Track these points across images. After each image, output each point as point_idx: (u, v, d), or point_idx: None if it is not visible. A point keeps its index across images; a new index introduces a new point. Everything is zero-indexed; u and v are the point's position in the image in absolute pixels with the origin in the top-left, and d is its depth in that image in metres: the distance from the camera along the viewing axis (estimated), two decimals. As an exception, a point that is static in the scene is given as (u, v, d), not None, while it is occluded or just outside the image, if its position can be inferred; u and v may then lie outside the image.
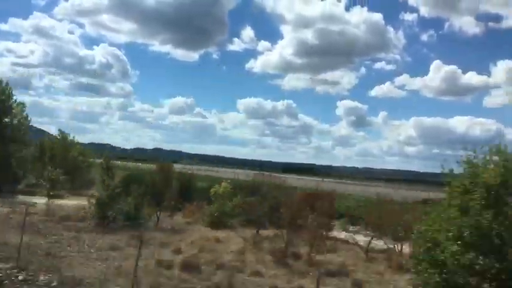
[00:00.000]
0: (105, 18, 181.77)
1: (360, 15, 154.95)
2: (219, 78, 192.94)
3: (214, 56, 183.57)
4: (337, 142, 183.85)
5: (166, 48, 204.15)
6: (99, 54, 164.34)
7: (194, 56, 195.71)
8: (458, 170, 8.60)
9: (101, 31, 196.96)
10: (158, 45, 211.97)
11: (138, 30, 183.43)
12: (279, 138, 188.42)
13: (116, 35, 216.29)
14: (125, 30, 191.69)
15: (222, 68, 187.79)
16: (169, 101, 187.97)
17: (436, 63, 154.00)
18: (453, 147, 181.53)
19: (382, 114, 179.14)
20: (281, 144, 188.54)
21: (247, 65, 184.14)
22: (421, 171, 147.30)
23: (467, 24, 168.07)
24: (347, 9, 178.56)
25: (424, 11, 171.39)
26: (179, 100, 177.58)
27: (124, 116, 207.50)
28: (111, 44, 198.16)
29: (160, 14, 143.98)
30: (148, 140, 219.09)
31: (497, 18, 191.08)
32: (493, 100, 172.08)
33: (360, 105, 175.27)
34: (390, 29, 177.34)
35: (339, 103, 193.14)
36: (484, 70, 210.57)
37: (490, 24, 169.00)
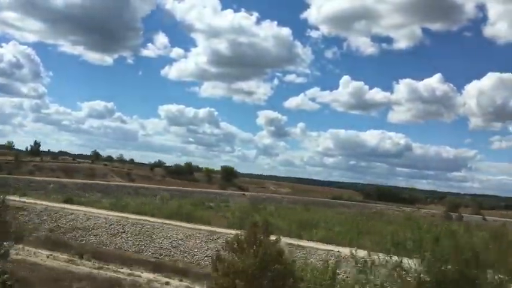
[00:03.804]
0: (11, 16, 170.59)
1: (269, 29, 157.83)
2: (137, 83, 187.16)
3: (129, 60, 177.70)
4: (260, 151, 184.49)
5: (78, 50, 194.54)
6: (8, 52, 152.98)
7: (108, 59, 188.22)
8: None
9: (6, 30, 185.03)
10: (69, 46, 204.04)
11: (46, 29, 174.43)
12: (203, 146, 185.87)
13: (23, 34, 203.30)
14: (32, 29, 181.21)
15: (138, 73, 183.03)
16: (88, 104, 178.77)
17: (345, 78, 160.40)
18: (367, 159, 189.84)
19: (300, 125, 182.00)
20: (205, 152, 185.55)
21: (163, 71, 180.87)
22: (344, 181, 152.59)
23: (363, 45, 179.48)
24: (257, 22, 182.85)
25: (325, 29, 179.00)
26: (98, 104, 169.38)
27: (38, 118, 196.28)
28: (20, 43, 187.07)
29: (69, 15, 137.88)
30: (66, 144, 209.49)
31: (388, 40, 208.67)
32: (396, 116, 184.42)
33: (279, 115, 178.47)
34: (298, 43, 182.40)
35: (259, 113, 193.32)
36: (387, 87, 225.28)
37: (383, 45, 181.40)
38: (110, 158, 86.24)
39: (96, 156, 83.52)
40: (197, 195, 59.25)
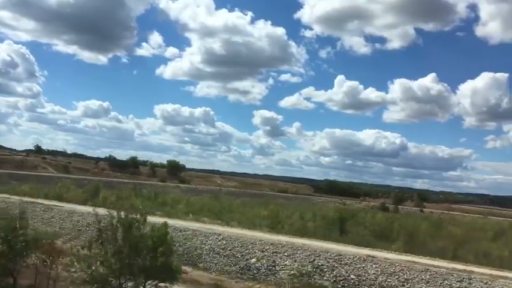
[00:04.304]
0: (5, 15, 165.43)
1: (263, 29, 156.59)
2: (132, 83, 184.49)
3: (124, 60, 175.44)
4: (256, 151, 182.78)
5: (72, 49, 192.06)
6: (3, 51, 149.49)
7: (103, 59, 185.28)
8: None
9: (0, 29, 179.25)
10: (63, 46, 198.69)
11: (40, 29, 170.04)
12: (199, 146, 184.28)
13: (17, 33, 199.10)
14: (26, 28, 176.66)
15: (133, 72, 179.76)
16: (83, 103, 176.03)
17: (340, 77, 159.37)
18: (363, 158, 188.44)
19: (296, 124, 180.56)
20: (201, 151, 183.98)
21: (158, 71, 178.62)
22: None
23: (357, 44, 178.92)
24: (252, 21, 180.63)
25: (318, 29, 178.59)
26: (93, 103, 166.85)
27: (34, 118, 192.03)
28: (14, 42, 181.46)
29: (62, 14, 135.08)
30: (62, 143, 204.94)
31: (382, 40, 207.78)
32: (391, 115, 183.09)
33: (274, 115, 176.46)
34: (292, 43, 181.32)
35: (255, 112, 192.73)
36: (382, 87, 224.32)
37: (377, 45, 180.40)
38: (53, 152, 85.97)
39: (38, 149, 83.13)
40: (126, 185, 59.44)
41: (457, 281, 15.55)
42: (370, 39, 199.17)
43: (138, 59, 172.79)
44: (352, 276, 16.30)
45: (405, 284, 15.74)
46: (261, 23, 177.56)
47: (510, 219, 64.80)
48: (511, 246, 27.72)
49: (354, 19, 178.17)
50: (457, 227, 39.26)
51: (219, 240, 19.36)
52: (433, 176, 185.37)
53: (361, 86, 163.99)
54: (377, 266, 16.86)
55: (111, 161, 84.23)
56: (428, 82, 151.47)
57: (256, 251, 18.16)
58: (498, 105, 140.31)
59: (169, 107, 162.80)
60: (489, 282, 15.49)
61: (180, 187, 68.66)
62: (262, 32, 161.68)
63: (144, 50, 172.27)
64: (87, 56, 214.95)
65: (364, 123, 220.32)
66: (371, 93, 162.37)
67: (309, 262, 17.10)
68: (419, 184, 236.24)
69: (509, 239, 32.22)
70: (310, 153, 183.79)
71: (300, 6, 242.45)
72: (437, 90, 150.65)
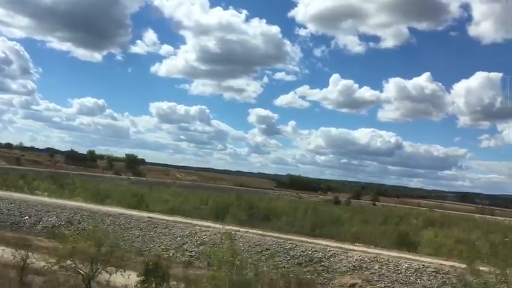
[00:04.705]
0: None
1: (258, 27, 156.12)
2: (127, 80, 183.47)
3: (118, 57, 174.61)
4: (252, 149, 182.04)
5: (66, 46, 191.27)
6: None
7: (97, 56, 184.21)
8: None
9: None
10: (57, 43, 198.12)
11: (34, 26, 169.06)
12: (195, 144, 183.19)
13: (11, 30, 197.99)
14: (20, 25, 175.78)
15: (128, 70, 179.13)
16: (78, 101, 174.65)
17: (335, 76, 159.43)
18: (359, 157, 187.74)
19: (291, 123, 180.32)
20: (197, 149, 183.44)
21: (153, 68, 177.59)
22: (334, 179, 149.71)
23: (351, 43, 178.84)
24: (246, 20, 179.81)
25: (312, 28, 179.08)
26: (89, 101, 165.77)
27: (29, 115, 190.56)
28: (8, 39, 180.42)
29: (56, 11, 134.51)
30: (57, 141, 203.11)
31: (376, 39, 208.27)
32: (386, 114, 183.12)
33: (270, 113, 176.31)
34: (287, 42, 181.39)
35: (250, 110, 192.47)
36: (377, 85, 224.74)
37: (371, 44, 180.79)
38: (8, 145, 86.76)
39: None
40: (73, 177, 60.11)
41: (286, 248, 16.74)
42: (364, 38, 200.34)
43: (132, 57, 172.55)
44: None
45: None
46: (255, 21, 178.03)
47: (467, 213, 64.98)
48: (391, 229, 29.00)
49: (347, 18, 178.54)
50: (382, 216, 39.52)
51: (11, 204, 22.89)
52: (428, 175, 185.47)
53: (356, 85, 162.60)
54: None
55: (69, 155, 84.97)
56: (423, 81, 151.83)
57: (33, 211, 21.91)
58: (492, 104, 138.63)
59: (164, 105, 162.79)
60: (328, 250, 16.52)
61: (130, 179, 69.52)
62: (257, 30, 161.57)
63: (138, 48, 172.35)
64: (81, 53, 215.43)
65: (359, 122, 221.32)
66: (366, 92, 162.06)
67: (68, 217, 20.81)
68: (414, 183, 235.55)
69: (402, 224, 33.51)
70: (306, 151, 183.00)
71: (294, 4, 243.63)
72: (431, 89, 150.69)
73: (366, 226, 30.17)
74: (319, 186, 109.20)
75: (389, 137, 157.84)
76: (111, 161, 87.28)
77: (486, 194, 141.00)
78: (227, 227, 16.25)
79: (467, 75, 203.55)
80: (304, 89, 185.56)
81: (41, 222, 20.92)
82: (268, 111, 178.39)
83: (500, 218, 56.61)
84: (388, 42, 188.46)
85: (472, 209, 78.07)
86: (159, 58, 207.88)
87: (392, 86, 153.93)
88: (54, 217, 21.16)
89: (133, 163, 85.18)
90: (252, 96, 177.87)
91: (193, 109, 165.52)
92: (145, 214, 22.03)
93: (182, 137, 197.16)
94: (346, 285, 14.47)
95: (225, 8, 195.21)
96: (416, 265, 14.90)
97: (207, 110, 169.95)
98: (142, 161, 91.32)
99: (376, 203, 79.35)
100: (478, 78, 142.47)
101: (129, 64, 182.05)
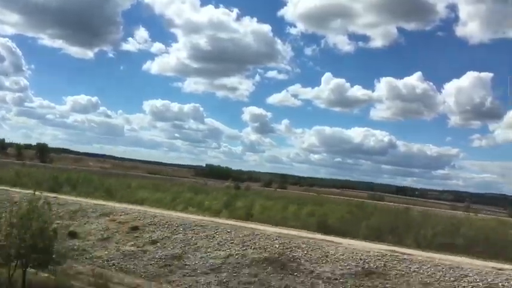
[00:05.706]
0: None
1: (249, 26, 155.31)
2: (120, 78, 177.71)
3: (110, 54, 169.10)
4: (246, 147, 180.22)
5: (58, 43, 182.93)
6: None
7: (89, 53, 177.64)
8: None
9: None
10: (48, 40, 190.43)
11: (25, 22, 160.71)
12: (189, 142, 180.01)
13: (3, 27, 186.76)
14: (10, 21, 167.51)
15: (120, 67, 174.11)
16: (72, 98, 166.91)
17: (327, 75, 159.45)
18: (352, 156, 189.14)
19: (285, 121, 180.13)
20: (192, 147, 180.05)
21: (144, 66, 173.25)
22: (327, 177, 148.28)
23: (341, 42, 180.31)
24: (237, 18, 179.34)
25: (302, 27, 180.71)
26: (82, 98, 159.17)
27: (22, 112, 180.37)
28: (0, 35, 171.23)
29: (46, 8, 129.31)
30: (51, 139, 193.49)
31: (365, 38, 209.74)
32: (378, 113, 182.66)
33: (263, 111, 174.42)
34: (278, 40, 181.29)
35: (244, 109, 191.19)
36: (369, 85, 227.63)
37: (360, 43, 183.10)
38: None
39: None
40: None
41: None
42: (353, 37, 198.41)
43: (124, 54, 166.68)
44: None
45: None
46: (246, 19, 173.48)
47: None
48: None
49: (336, 17, 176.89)
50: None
51: None
52: (422, 175, 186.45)
53: (348, 84, 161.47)
54: None
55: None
56: (414, 81, 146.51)
57: None
58: (482, 104, 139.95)
59: (158, 103, 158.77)
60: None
61: (36, 165, 70.11)
62: (248, 29, 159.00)
63: (130, 45, 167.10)
64: (73, 50, 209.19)
65: (352, 120, 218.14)
66: (358, 91, 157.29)
67: None
68: (408, 182, 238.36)
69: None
70: (300, 150, 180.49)
71: (283, 3, 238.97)
72: (422, 88, 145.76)
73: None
74: (231, 174, 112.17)
75: (383, 136, 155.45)
76: (19, 149, 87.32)
77: (477, 193, 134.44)
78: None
79: (459, 75, 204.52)
80: (296, 88, 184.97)
81: None
82: (261, 110, 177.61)
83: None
84: (377, 42, 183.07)
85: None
86: (151, 56, 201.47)
87: (383, 85, 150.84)
88: None
89: (42, 151, 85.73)
90: (244, 94, 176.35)
91: (187, 107, 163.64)
92: None
93: (176, 135, 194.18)
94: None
95: (216, 6, 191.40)
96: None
97: (201, 108, 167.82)
98: (52, 149, 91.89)
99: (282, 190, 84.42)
100: (468, 78, 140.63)
101: (121, 61, 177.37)
